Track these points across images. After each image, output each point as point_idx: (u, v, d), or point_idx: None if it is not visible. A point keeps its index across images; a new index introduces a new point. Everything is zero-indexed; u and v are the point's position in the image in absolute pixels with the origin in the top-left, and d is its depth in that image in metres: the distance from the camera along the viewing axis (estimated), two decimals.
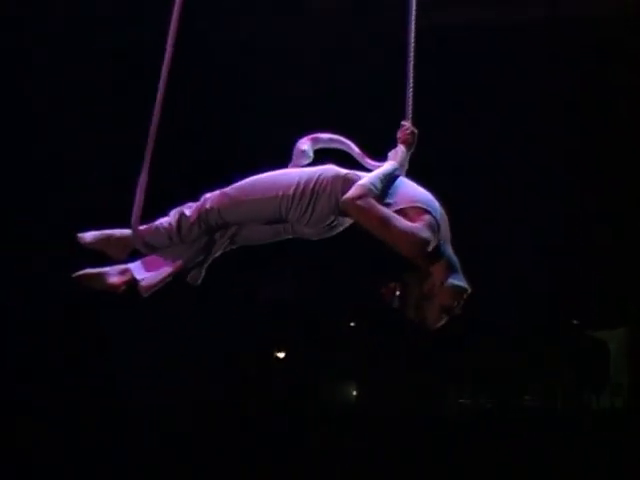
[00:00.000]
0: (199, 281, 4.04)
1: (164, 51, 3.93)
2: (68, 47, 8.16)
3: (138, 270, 4.03)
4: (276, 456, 8.06)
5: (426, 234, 3.61)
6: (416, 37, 4.02)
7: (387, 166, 3.90)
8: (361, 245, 4.83)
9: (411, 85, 4.03)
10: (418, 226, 3.63)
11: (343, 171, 3.80)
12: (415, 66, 3.99)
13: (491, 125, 7.86)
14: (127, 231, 4.02)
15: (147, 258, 4.09)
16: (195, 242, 4.03)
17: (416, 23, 4.02)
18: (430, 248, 3.63)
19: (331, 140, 4.13)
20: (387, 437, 7.91)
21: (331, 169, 3.85)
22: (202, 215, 3.94)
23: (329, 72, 7.86)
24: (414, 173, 4.03)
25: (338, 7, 8.18)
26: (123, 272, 4.04)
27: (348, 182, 3.75)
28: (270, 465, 8.05)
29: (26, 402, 8.41)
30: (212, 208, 3.93)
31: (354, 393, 9.23)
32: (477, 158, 7.82)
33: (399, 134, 4.04)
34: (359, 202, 3.68)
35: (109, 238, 4.10)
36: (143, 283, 4.00)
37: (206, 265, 4.04)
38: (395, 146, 4.02)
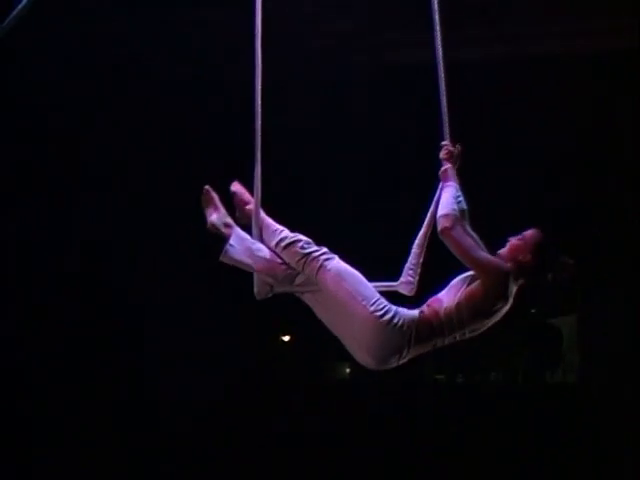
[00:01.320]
0: (261, 297, 4.03)
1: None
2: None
3: (237, 237, 4.08)
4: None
5: (507, 266, 3.96)
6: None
7: (451, 189, 4.18)
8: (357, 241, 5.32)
9: (446, 109, 4.30)
10: (499, 260, 3.96)
11: (416, 313, 3.99)
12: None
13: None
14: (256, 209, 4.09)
15: (253, 239, 4.07)
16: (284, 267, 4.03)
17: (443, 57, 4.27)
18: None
19: (415, 261, 4.24)
20: (375, 407, 8.39)
21: (409, 311, 3.98)
22: (308, 257, 4.00)
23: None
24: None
25: None
26: (227, 225, 4.14)
27: (422, 323, 3.95)
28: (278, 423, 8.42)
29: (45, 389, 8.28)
30: (318, 261, 3.98)
31: (347, 371, 9.47)
32: None
33: (442, 154, 4.28)
34: (453, 233, 3.93)
35: (244, 202, 4.18)
36: (227, 252, 4.05)
37: (275, 291, 4.04)
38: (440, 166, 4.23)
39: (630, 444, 8.07)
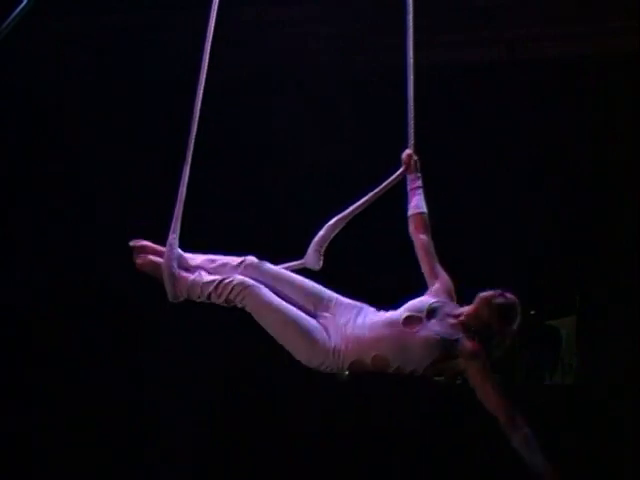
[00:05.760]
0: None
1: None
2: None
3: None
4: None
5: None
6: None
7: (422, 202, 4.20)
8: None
9: (412, 114, 4.29)
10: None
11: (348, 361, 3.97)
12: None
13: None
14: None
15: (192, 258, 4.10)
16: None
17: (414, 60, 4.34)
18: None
19: (327, 235, 4.18)
20: (373, 409, 8.38)
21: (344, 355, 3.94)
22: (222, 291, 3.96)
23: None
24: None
25: None
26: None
27: (355, 369, 4.02)
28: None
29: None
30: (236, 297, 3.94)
31: (346, 373, 9.46)
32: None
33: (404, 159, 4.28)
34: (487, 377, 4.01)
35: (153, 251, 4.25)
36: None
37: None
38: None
39: (630, 445, 8.07)
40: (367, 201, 4.24)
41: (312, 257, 4.14)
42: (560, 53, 7.89)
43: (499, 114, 8.01)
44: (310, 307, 3.99)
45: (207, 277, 3.99)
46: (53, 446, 8.17)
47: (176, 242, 4.05)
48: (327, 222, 4.19)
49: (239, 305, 3.95)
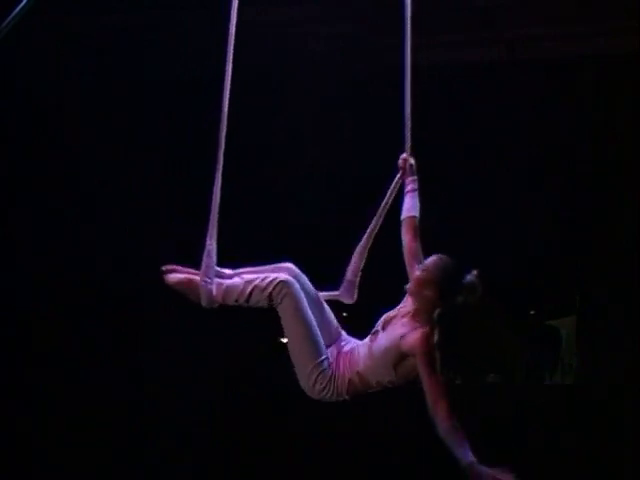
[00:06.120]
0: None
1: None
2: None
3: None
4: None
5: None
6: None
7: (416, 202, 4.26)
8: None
9: (409, 119, 4.31)
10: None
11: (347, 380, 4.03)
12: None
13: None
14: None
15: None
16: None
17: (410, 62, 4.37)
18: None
19: (356, 265, 4.24)
20: (373, 410, 7.97)
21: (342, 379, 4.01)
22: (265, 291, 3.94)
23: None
24: None
25: None
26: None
27: (352, 392, 4.05)
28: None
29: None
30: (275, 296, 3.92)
31: None
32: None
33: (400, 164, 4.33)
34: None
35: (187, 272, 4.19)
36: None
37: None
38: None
39: (630, 445, 8.07)
40: (379, 217, 4.32)
41: (347, 290, 4.23)
42: (560, 53, 7.98)
43: (499, 114, 8.09)
44: (324, 334, 4.06)
45: (249, 276, 4.01)
46: (53, 446, 8.26)
47: (214, 248, 4.03)
48: (352, 254, 4.26)
49: (276, 303, 3.96)
